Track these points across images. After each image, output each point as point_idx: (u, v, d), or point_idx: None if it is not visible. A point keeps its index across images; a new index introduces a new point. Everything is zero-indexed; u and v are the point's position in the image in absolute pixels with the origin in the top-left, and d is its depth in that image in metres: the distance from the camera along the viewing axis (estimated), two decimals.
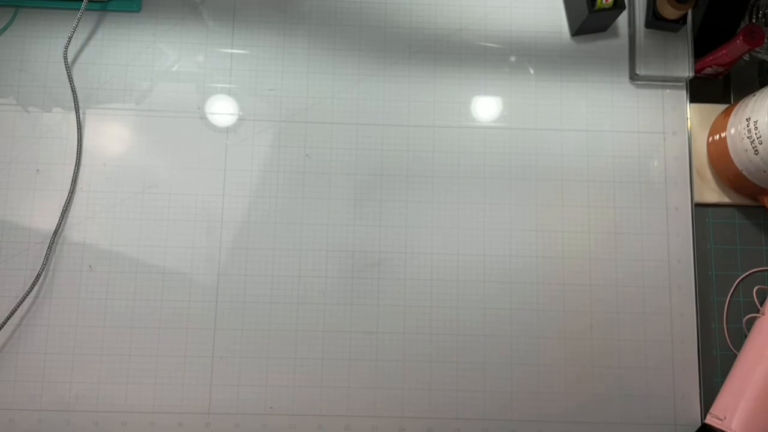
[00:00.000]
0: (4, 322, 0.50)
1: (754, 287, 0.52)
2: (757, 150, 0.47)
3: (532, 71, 0.55)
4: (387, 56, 0.55)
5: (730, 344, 0.51)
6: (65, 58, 0.53)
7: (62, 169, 0.53)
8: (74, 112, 0.53)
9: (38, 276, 0.50)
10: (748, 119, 0.48)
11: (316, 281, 0.52)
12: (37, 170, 0.53)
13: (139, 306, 0.51)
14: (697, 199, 0.53)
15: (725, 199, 0.53)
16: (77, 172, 0.53)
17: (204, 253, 0.52)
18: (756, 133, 0.47)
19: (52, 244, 0.51)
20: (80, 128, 0.53)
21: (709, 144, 0.54)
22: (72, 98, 0.53)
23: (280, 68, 0.55)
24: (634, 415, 0.50)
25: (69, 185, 0.52)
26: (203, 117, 0.54)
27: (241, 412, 0.50)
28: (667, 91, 0.55)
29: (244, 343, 0.51)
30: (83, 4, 0.52)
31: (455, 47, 0.56)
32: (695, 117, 0.55)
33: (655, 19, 0.54)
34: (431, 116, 0.54)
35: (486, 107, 0.55)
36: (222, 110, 0.54)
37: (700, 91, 0.55)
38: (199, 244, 0.52)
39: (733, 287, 0.52)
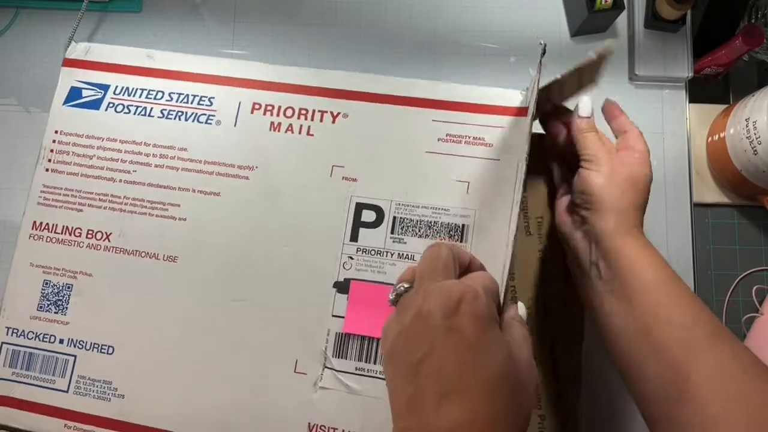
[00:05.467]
0: None
1: (753, 287, 0.52)
2: (756, 150, 0.47)
3: (531, 72, 0.55)
4: (387, 56, 0.55)
5: None
6: None
7: None
8: None
9: None
10: (747, 119, 0.48)
11: None
12: None
13: None
14: (696, 199, 0.53)
15: (724, 199, 0.53)
16: None
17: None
18: (755, 134, 0.47)
19: None
20: None
21: (708, 144, 0.54)
22: None
23: None
24: (633, 414, 0.50)
25: None
26: None
27: None
28: (666, 91, 0.55)
29: None
30: (84, 5, 0.53)
31: (455, 47, 0.56)
32: (694, 117, 0.55)
33: (654, 20, 0.54)
34: None
35: None
36: None
37: (699, 91, 0.55)
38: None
39: (732, 287, 0.52)
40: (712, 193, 0.54)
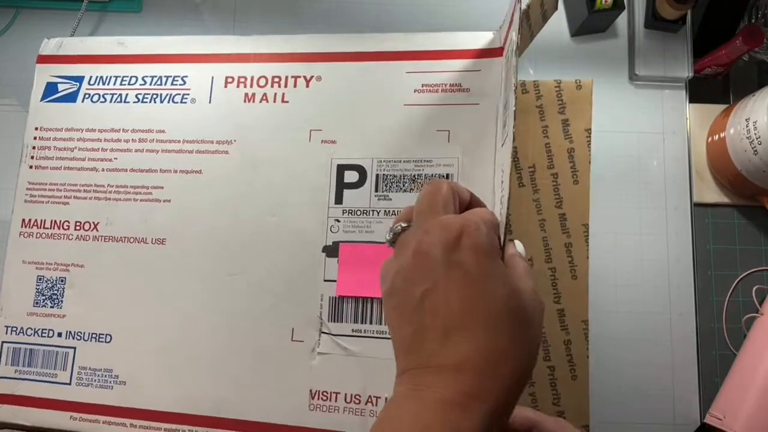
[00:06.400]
0: None
1: (753, 287, 0.52)
2: (756, 150, 0.47)
3: (531, 72, 0.55)
4: None
5: (729, 344, 0.51)
6: None
7: None
8: None
9: None
10: (747, 119, 0.48)
11: None
12: None
13: None
14: (697, 199, 0.53)
15: (724, 199, 0.53)
16: None
17: None
18: (755, 134, 0.47)
19: None
20: None
21: (708, 144, 0.54)
22: None
23: None
24: (633, 415, 0.50)
25: None
26: None
27: None
28: (667, 91, 0.55)
29: None
30: (84, 5, 0.53)
31: None
32: (694, 117, 0.55)
33: (654, 20, 0.54)
34: None
35: None
36: None
37: (699, 91, 0.55)
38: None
39: (732, 287, 0.52)
40: (712, 193, 0.54)
